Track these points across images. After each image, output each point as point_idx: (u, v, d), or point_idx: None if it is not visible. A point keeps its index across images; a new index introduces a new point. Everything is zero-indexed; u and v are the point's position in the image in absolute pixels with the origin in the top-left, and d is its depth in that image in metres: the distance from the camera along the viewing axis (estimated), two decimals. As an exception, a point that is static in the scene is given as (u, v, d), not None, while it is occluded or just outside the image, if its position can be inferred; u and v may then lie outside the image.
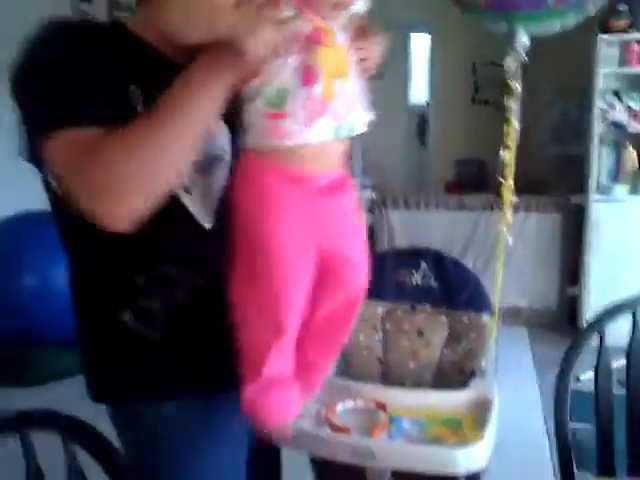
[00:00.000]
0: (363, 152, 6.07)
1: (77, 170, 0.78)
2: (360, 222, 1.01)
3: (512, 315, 3.94)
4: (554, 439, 2.51)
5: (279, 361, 0.93)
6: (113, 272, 0.94)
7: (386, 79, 6.53)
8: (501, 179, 1.88)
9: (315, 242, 0.89)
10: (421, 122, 6.03)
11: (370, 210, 4.12)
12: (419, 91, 6.19)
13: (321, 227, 0.90)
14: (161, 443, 1.05)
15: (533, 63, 3.99)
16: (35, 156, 0.85)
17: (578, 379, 3.21)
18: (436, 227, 3.85)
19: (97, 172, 0.77)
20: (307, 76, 0.83)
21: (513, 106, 1.76)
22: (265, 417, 0.97)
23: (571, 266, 3.94)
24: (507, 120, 1.76)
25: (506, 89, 1.75)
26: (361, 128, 0.92)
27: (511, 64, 1.70)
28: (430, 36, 5.49)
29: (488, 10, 1.49)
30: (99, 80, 0.84)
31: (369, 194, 4.10)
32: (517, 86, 1.69)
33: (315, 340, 1.00)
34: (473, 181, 5.44)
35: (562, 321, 4.00)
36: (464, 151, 5.63)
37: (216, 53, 0.80)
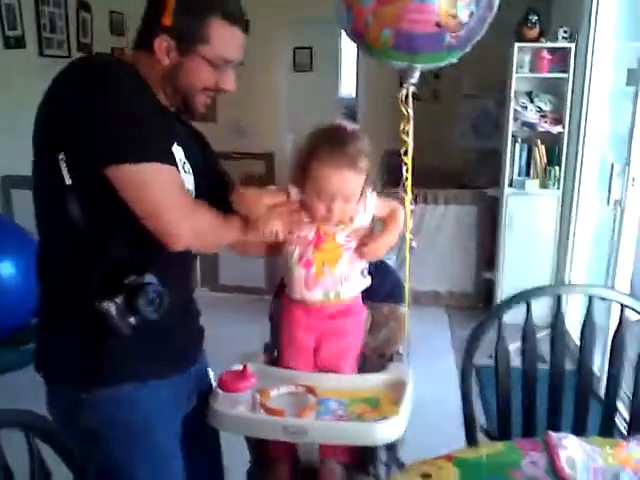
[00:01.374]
0: (294, 144, 6.20)
1: (177, 212, 1.17)
2: (353, 340, 1.53)
3: (433, 298, 4.23)
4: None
5: None
6: (109, 271, 1.14)
7: (317, 72, 6.69)
8: (404, 188, 2.09)
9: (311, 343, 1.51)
10: (350, 114, 6.21)
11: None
12: (348, 84, 6.36)
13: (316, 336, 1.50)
14: (115, 424, 1.22)
15: (451, 64, 4.26)
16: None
17: (491, 356, 3.52)
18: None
19: (190, 224, 1.19)
20: (305, 262, 1.44)
21: (408, 128, 1.98)
22: None
23: (487, 253, 4.24)
24: (404, 142, 1.98)
25: (400, 113, 1.97)
26: (348, 294, 1.48)
27: (404, 93, 1.93)
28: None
29: (394, 50, 1.71)
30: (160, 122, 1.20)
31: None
32: (410, 112, 1.93)
33: None
34: (400, 172, 5.69)
35: (479, 303, 4.32)
36: (392, 143, 5.86)
37: (248, 222, 1.31)
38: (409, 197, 2.10)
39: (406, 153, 2.04)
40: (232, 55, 1.23)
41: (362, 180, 1.38)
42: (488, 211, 4.17)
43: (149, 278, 1.16)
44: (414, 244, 2.07)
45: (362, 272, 1.50)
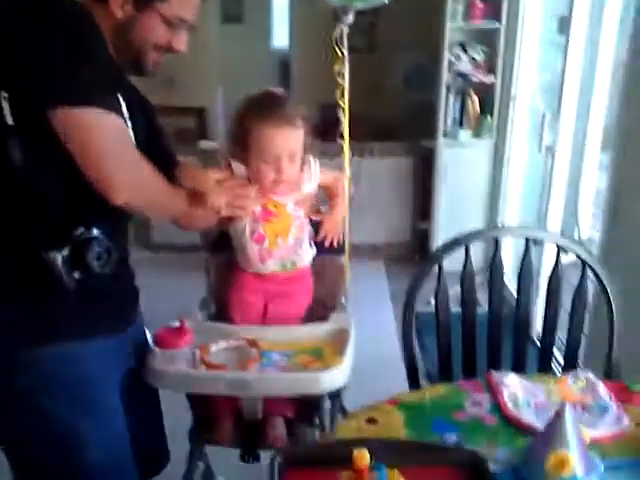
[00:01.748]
0: (224, 99, 6.01)
1: (120, 163, 1.10)
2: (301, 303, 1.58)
3: (371, 251, 4.25)
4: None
5: None
6: (54, 221, 1.10)
7: (247, 24, 6.47)
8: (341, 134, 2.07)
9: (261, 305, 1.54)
10: (283, 67, 6.06)
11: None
12: (281, 36, 6.18)
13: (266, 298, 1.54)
14: (56, 382, 1.18)
15: (389, 15, 4.20)
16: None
17: (429, 302, 3.58)
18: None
19: (131, 176, 1.13)
20: (257, 237, 1.48)
21: (343, 70, 1.94)
22: None
23: (422, 204, 4.28)
24: (339, 85, 1.95)
25: (335, 55, 1.94)
26: (303, 262, 1.53)
27: (337, 33, 1.89)
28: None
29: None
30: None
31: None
32: (344, 52, 1.89)
33: None
34: (335, 127, 5.62)
35: (415, 254, 4.38)
36: (329, 96, 5.77)
37: (195, 197, 1.29)
38: (347, 142, 2.07)
39: (343, 96, 2.00)
40: (188, 15, 1.22)
41: (302, 137, 1.43)
42: (423, 162, 4.19)
43: (97, 232, 1.12)
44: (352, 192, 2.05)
45: (310, 241, 1.55)
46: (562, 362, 1.61)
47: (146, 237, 4.41)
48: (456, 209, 3.96)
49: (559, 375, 1.37)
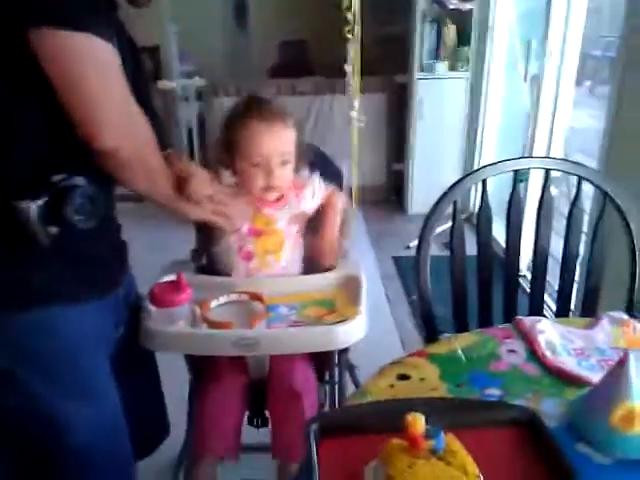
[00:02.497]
0: (180, 39, 5.66)
1: (111, 101, 0.94)
2: None
3: (345, 195, 4.11)
4: (393, 302, 2.74)
5: None
6: (31, 165, 0.95)
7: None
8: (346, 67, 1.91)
9: None
10: (239, 4, 5.72)
11: (199, 97, 3.93)
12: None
13: None
14: (31, 357, 1.02)
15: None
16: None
17: (408, 247, 3.50)
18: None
19: (122, 120, 0.97)
20: (245, 254, 1.37)
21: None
22: None
23: (397, 144, 4.15)
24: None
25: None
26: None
27: None
28: None
29: None
30: None
31: (197, 81, 3.88)
32: None
33: None
34: (297, 64, 5.37)
35: (390, 196, 4.27)
36: (286, 33, 5.48)
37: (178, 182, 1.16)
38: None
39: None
40: None
41: (294, 139, 1.34)
42: (397, 99, 4.02)
43: (81, 180, 0.95)
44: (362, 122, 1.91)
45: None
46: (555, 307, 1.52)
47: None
48: (432, 148, 3.84)
49: (588, 318, 1.28)
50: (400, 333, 2.56)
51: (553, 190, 1.47)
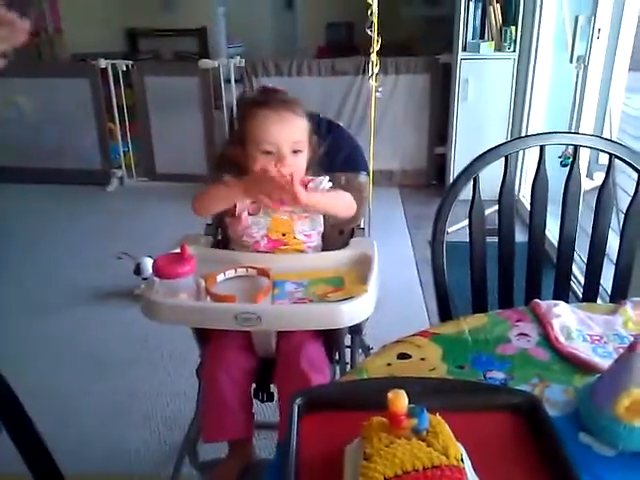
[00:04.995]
0: (227, 19, 5.68)
1: None
2: None
3: (386, 178, 4.05)
4: (427, 286, 2.67)
5: None
6: None
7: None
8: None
9: None
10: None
11: (240, 79, 3.92)
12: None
13: None
14: None
15: None
16: None
17: (447, 232, 3.41)
18: (309, 93, 3.74)
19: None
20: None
21: None
22: None
23: (440, 126, 4.04)
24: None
25: None
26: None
27: None
28: None
29: None
30: None
31: (238, 62, 3.87)
32: None
33: None
34: (343, 45, 5.31)
35: (431, 180, 4.17)
36: (333, 14, 5.43)
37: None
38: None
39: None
40: None
41: (305, 129, 1.34)
42: (441, 79, 3.91)
43: None
44: (379, 93, 1.86)
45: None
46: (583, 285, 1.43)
47: (151, 169, 4.23)
48: (475, 132, 3.72)
49: (611, 304, 1.20)
50: (430, 318, 2.51)
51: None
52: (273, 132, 1.30)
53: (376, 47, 1.93)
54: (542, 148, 1.35)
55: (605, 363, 0.93)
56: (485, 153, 1.37)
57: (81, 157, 4.23)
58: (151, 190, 4.14)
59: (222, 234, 1.49)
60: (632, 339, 0.98)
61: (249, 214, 1.36)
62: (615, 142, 1.35)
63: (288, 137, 1.30)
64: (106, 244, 3.25)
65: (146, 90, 4.02)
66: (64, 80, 4.08)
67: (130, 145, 4.22)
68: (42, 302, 2.76)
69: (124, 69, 3.96)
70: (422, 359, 0.98)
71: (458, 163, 3.80)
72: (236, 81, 3.90)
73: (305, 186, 1.34)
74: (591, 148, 1.40)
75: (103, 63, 3.95)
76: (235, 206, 1.35)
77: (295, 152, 1.32)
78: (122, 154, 4.26)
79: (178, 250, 1.20)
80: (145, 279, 2.57)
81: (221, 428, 1.28)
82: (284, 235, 1.36)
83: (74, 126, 4.15)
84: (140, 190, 4.20)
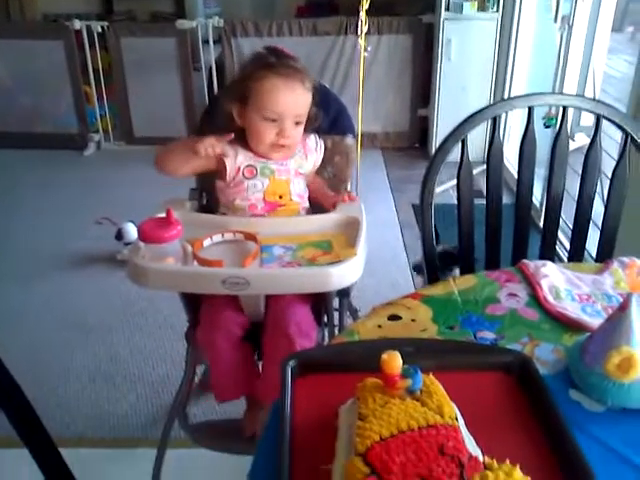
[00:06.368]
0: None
1: None
2: None
3: (368, 140, 4.01)
4: (410, 248, 2.68)
5: None
6: None
7: None
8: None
9: None
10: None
11: (218, 40, 3.83)
12: None
13: None
14: None
15: None
16: None
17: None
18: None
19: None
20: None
21: None
22: None
23: (422, 88, 4.00)
24: None
25: None
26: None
27: None
28: None
29: None
30: None
31: (216, 22, 3.77)
32: None
33: None
34: (323, 5, 5.21)
35: (414, 142, 4.15)
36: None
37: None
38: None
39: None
40: None
41: (309, 103, 1.32)
42: (424, 40, 3.86)
43: None
44: (367, 53, 1.84)
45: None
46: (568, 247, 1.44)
47: (128, 132, 4.14)
48: (458, 93, 3.69)
49: (595, 263, 1.21)
50: (415, 280, 2.52)
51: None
52: (281, 102, 1.27)
53: (365, 5, 1.89)
54: (531, 109, 1.34)
55: (594, 322, 0.94)
56: (473, 115, 1.35)
57: (57, 121, 4.13)
58: (129, 154, 4.06)
59: (207, 198, 1.47)
60: (621, 299, 1.00)
61: (245, 177, 1.34)
62: (604, 103, 1.34)
63: (294, 110, 1.29)
64: (85, 209, 3.20)
65: (122, 52, 3.91)
66: (37, 42, 3.95)
67: (107, 109, 4.12)
68: (22, 269, 2.72)
69: (99, 30, 3.84)
70: (413, 320, 0.98)
71: (441, 125, 3.78)
72: (214, 42, 3.81)
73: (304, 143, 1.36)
74: (580, 109, 1.40)
75: (77, 24, 3.83)
76: (225, 169, 1.33)
77: (296, 123, 1.30)
78: (99, 118, 4.17)
79: (163, 215, 1.18)
80: (127, 244, 2.54)
81: (230, 387, 1.30)
82: (280, 197, 1.34)
83: (49, 90, 4.04)
84: (118, 154, 4.12)
